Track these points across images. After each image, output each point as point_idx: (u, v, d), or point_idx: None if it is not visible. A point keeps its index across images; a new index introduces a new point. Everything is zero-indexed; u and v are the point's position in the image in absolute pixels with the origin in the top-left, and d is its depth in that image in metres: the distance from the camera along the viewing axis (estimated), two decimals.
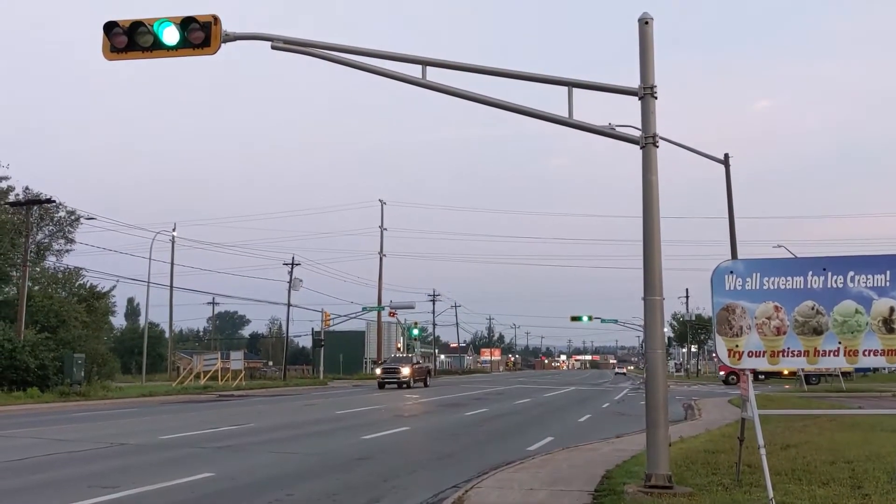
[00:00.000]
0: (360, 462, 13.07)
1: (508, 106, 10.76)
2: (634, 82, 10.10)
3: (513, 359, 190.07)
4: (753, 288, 8.92)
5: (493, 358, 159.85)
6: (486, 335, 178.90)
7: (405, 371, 48.22)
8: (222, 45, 11.34)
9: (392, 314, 78.51)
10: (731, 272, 9.04)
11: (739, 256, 23.84)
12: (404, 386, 47.16)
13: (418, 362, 52.98)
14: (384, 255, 79.75)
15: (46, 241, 46.13)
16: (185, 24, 11.19)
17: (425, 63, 10.86)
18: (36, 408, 28.78)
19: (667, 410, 9.66)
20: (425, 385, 50.06)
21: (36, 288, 46.60)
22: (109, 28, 11.22)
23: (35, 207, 41.79)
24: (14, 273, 44.75)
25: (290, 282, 64.64)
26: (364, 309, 73.09)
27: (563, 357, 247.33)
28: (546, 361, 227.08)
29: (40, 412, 26.94)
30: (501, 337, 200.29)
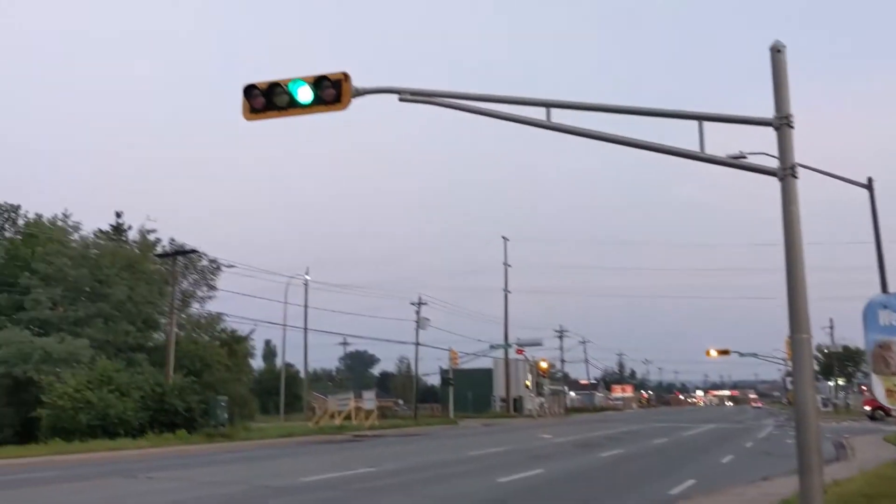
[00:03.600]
0: None
1: (639, 143, 10.61)
2: (762, 110, 9.77)
3: (646, 395, 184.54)
4: None
5: (625, 395, 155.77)
6: (616, 371, 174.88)
7: None
8: (352, 100, 11.79)
9: (519, 351, 78.14)
10: (885, 307, 8.50)
11: (891, 289, 22.33)
12: None
13: None
14: (509, 292, 79.84)
15: (191, 288, 48.80)
16: (318, 82, 11.69)
17: (550, 105, 10.87)
18: (184, 449, 30.24)
19: (820, 453, 9.12)
20: None
21: (181, 333, 49.20)
22: (249, 91, 11.87)
23: (180, 257, 44.30)
24: (162, 320, 47.42)
25: (417, 321, 65.50)
26: (491, 347, 73.13)
27: (700, 392, 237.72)
28: (681, 397, 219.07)
29: (189, 454, 28.29)
30: (633, 373, 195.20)
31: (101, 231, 49.96)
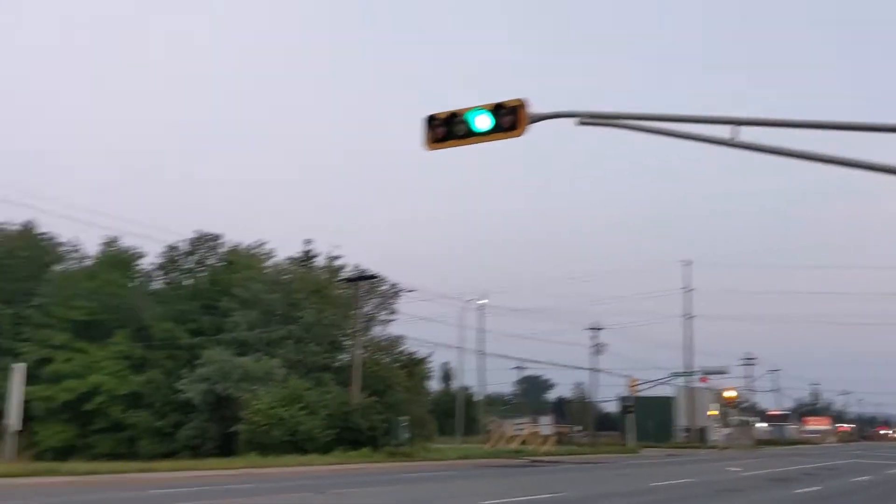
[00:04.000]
0: None
1: (836, 159, 9.94)
2: None
3: (844, 428, 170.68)
4: None
5: (820, 427, 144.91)
6: (810, 402, 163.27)
7: None
8: (529, 125, 11.89)
9: (703, 380, 74.93)
10: None
11: None
12: None
13: None
14: (691, 317, 76.98)
15: (373, 312, 50.75)
16: (496, 110, 11.91)
17: (737, 122, 10.45)
18: (368, 467, 31.33)
19: None
20: None
21: (364, 355, 51.16)
22: (430, 121, 12.28)
23: (363, 282, 46.24)
24: (347, 342, 49.58)
25: (594, 346, 64.49)
26: (673, 374, 70.65)
27: None
28: (885, 432, 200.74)
29: (372, 472, 29.26)
30: (829, 404, 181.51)
31: (291, 258, 53.21)
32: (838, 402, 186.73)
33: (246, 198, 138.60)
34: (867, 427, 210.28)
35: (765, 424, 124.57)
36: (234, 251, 52.69)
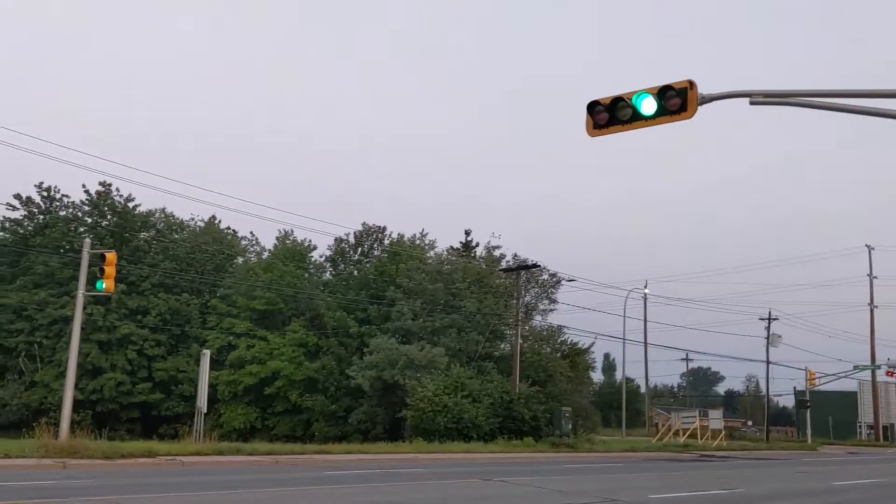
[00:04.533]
0: None
1: None
2: None
3: None
4: None
5: None
6: None
7: None
8: (698, 107, 11.46)
9: (890, 373, 69.59)
10: None
11: None
12: None
13: None
14: (875, 307, 71.65)
15: (533, 301, 50.75)
16: (662, 92, 11.55)
17: None
18: (531, 456, 31.42)
19: None
20: None
21: (525, 345, 51.30)
22: (592, 107, 12.09)
23: (523, 272, 46.37)
24: (507, 331, 49.91)
25: (767, 338, 61.33)
26: (855, 367, 66.11)
27: None
28: None
29: (535, 461, 29.31)
30: None
31: (452, 248, 54.13)
32: None
33: (404, 189, 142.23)
34: None
35: None
36: (399, 243, 54.30)
